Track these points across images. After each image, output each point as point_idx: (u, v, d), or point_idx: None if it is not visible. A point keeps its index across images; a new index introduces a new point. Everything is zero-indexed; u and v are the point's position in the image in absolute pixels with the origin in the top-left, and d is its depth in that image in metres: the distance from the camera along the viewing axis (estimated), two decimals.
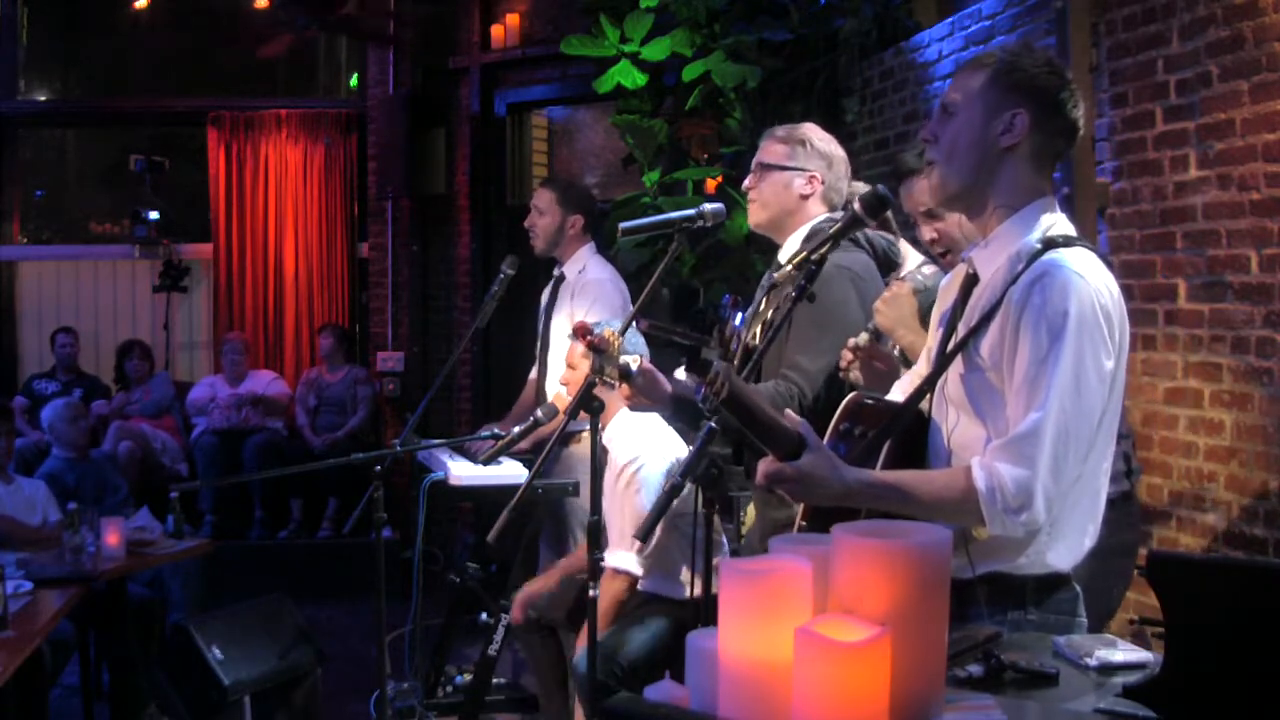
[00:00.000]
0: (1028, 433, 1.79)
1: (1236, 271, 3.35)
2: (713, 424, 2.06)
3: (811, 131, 3.01)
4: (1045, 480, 1.78)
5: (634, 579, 3.48)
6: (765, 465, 1.82)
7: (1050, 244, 1.88)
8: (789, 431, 1.80)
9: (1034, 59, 1.94)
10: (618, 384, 2.62)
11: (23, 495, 4.87)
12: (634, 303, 3.98)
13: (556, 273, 4.51)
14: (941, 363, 1.96)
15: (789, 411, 1.88)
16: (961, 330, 1.95)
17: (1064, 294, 1.80)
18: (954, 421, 1.96)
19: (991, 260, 1.95)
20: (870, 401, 2.18)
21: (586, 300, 4.34)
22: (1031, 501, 1.77)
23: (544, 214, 4.43)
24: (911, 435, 2.02)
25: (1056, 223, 1.93)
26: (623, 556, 3.44)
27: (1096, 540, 1.97)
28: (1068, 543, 1.92)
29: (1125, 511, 2.89)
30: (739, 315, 2.73)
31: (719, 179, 5.39)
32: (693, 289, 5.49)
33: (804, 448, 1.79)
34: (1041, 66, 1.94)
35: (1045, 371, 1.79)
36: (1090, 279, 1.83)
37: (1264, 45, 3.21)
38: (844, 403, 2.20)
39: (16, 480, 4.93)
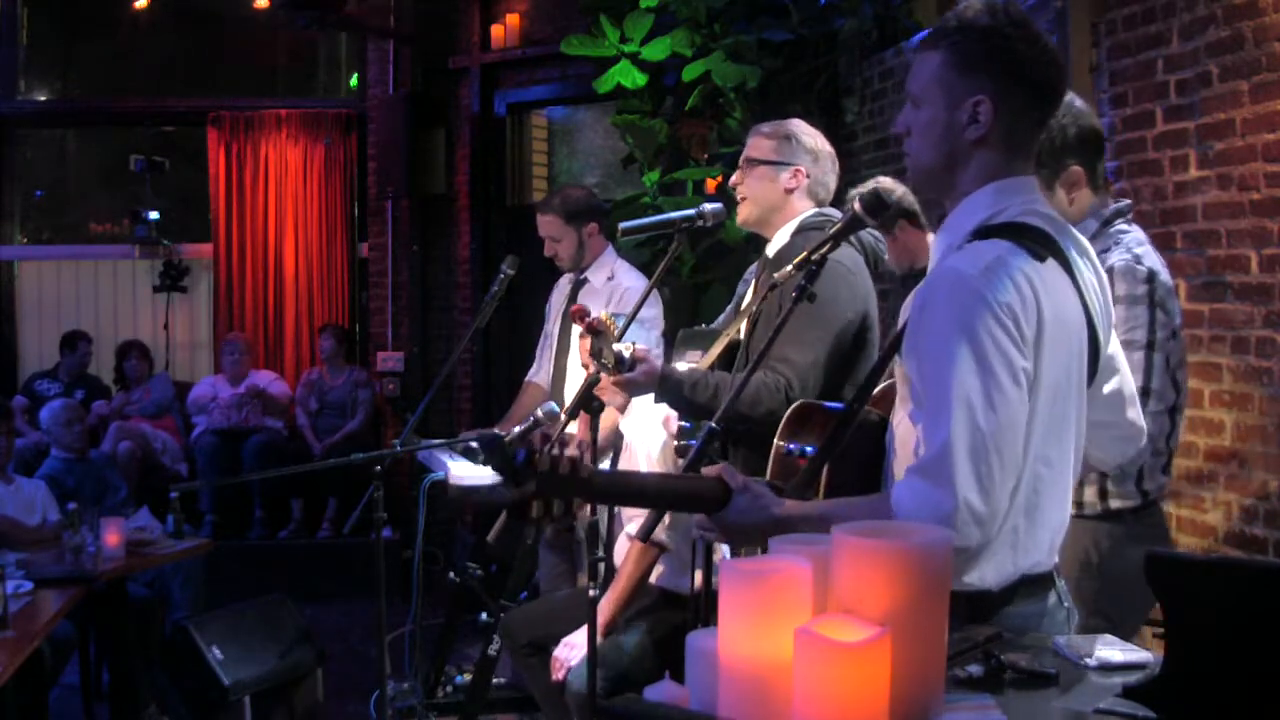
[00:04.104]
0: (938, 455, 1.66)
1: (1236, 271, 3.34)
2: (713, 424, 2.07)
3: (797, 126, 3.01)
4: (969, 500, 1.64)
5: (663, 550, 3.45)
6: (696, 519, 1.76)
7: (976, 234, 1.74)
8: (706, 487, 1.72)
9: (985, 25, 1.75)
10: (613, 367, 2.62)
11: (23, 495, 4.88)
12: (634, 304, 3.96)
13: (577, 276, 4.33)
14: (876, 368, 1.90)
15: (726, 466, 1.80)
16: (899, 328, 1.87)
17: (952, 300, 1.67)
18: (897, 420, 1.88)
19: (936, 253, 1.84)
20: (814, 409, 2.15)
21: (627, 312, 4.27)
22: (953, 526, 1.63)
23: (560, 239, 4.23)
24: (874, 437, 1.96)
25: (1009, 206, 1.77)
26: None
27: (1040, 562, 1.82)
28: (994, 561, 1.75)
29: (1139, 525, 2.72)
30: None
31: (719, 179, 5.39)
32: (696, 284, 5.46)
33: (728, 495, 1.71)
34: (995, 36, 1.74)
35: (946, 387, 1.65)
36: (985, 276, 1.67)
37: (1264, 45, 3.21)
38: (786, 415, 2.16)
39: (16, 480, 4.93)
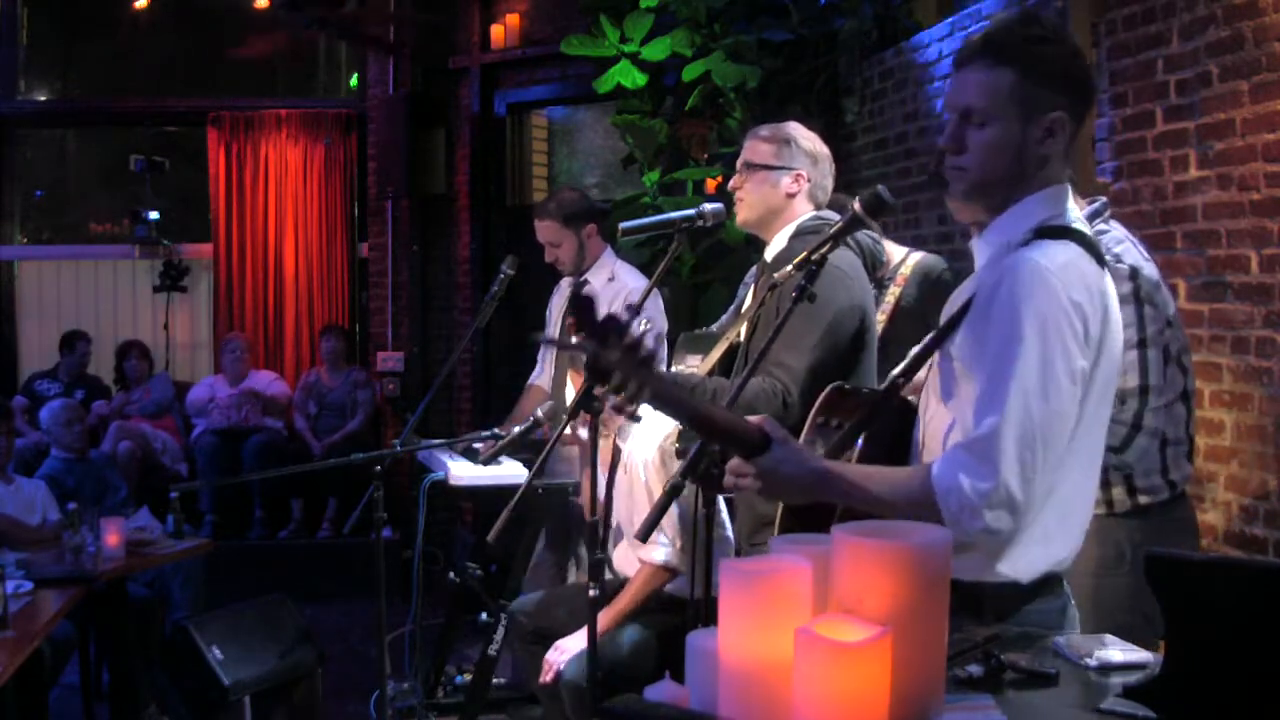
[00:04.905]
0: (987, 435, 1.69)
1: (1236, 271, 3.34)
2: None
3: (796, 130, 3.02)
4: (1009, 484, 1.67)
5: (674, 574, 3.44)
6: (732, 463, 1.77)
7: (1041, 233, 1.78)
8: (750, 429, 1.73)
9: (1036, 34, 1.80)
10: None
11: (23, 495, 4.87)
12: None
13: (577, 279, 4.31)
14: (921, 354, 1.90)
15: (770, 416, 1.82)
16: (942, 320, 1.89)
17: (1028, 290, 1.70)
18: (931, 411, 1.90)
19: (986, 249, 1.87)
20: (849, 392, 2.16)
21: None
22: (989, 505, 1.67)
23: (559, 244, 4.21)
24: (901, 426, 1.98)
25: (1061, 212, 1.83)
26: (668, 552, 3.40)
27: (1064, 560, 1.84)
28: (1027, 554, 1.78)
29: (1168, 519, 2.71)
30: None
31: (719, 179, 5.39)
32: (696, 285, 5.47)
33: (768, 443, 1.72)
34: (1057, 48, 1.81)
35: (1007, 371, 1.69)
36: (1061, 273, 1.72)
37: (1264, 45, 3.21)
38: (822, 395, 2.18)
39: (16, 480, 4.93)
